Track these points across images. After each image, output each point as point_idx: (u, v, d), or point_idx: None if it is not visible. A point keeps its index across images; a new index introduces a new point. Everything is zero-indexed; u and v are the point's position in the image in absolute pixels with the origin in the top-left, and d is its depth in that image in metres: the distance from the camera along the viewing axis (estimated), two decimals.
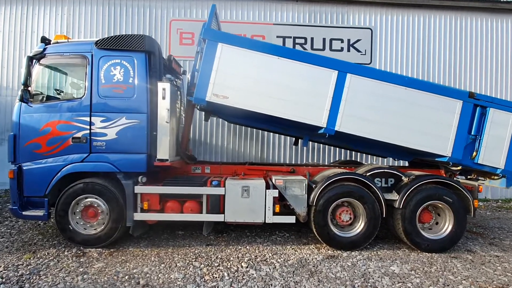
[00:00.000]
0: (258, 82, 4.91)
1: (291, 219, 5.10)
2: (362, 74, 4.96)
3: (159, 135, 4.96)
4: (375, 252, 5.09)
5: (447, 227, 5.23)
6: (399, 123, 5.07)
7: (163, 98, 4.95)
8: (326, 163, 8.47)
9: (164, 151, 4.97)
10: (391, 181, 5.42)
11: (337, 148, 9.41)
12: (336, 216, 5.15)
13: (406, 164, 7.53)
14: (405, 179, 5.33)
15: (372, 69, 5.03)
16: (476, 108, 5.11)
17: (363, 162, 7.37)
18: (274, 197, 5.03)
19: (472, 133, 5.14)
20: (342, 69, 4.92)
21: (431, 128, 5.10)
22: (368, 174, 5.32)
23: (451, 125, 5.11)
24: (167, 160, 4.96)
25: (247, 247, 5.16)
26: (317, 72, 4.92)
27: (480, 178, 5.83)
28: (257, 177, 5.57)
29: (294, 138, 7.06)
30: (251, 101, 4.90)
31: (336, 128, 4.99)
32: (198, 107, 5.58)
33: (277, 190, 5.03)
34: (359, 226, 5.14)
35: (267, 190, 5.02)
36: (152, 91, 5.03)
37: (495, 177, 5.64)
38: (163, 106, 4.95)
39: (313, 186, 5.11)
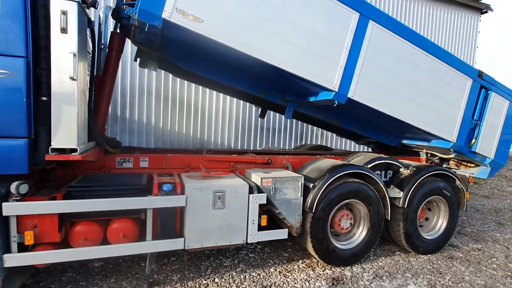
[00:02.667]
0: (259, 9, 3.01)
1: (282, 234, 3.55)
2: (385, 25, 3.61)
3: (55, 103, 2.59)
4: (375, 264, 4.06)
5: (441, 224, 4.62)
6: (414, 96, 4.01)
7: (64, 30, 2.55)
8: (288, 148, 7.14)
9: (67, 134, 2.64)
10: (389, 173, 4.42)
11: (293, 130, 8.22)
12: (335, 223, 3.86)
13: (370, 149, 6.89)
14: (404, 171, 4.40)
15: (397, 21, 3.70)
16: (481, 90, 4.46)
17: (331, 147, 6.31)
18: (260, 205, 3.36)
19: (475, 118, 4.51)
20: (364, 12, 3.45)
21: (442, 107, 4.24)
22: (369, 166, 4.17)
23: (460, 106, 4.36)
24: (74, 150, 2.66)
25: (213, 278, 3.40)
26: (336, 10, 3.32)
27: (456, 167, 5.45)
28: (224, 173, 3.75)
29: (259, 109, 5.36)
30: (243, 37, 2.99)
31: (349, 95, 3.58)
32: (135, 37, 3.22)
33: (265, 195, 3.37)
34: (361, 233, 4.00)
35: (250, 196, 3.30)
36: (39, 15, 2.56)
37: (472, 166, 5.31)
38: (64, 47, 2.56)
39: (310, 185, 3.64)
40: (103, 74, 3.68)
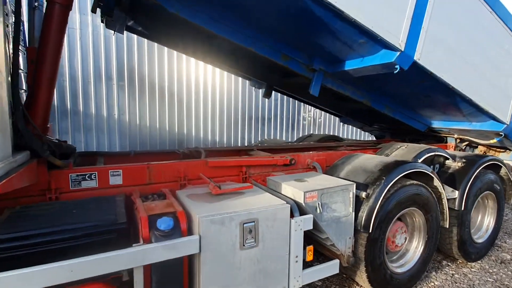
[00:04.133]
0: None
1: (333, 268, 2.50)
2: None
3: None
4: (431, 284, 3.22)
5: (488, 223, 3.91)
6: (479, 66, 3.16)
7: None
8: (291, 141, 6.05)
9: None
10: (436, 167, 3.56)
11: (284, 119, 7.13)
12: (388, 241, 2.90)
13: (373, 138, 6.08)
14: (452, 164, 3.57)
15: None
16: None
17: (342, 137, 5.36)
18: (305, 232, 2.26)
19: None
20: None
21: (503, 84, 3.42)
22: (420, 160, 3.25)
23: None
24: None
25: None
26: None
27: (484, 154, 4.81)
28: (244, 186, 2.58)
29: (264, 88, 4.20)
30: None
31: (416, 58, 2.61)
32: None
33: (311, 217, 2.27)
34: (416, 249, 3.11)
35: (292, 221, 2.17)
36: None
37: (501, 151, 4.70)
38: None
39: (362, 194, 2.61)
40: (39, 45, 2.30)
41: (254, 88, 4.35)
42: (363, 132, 8.16)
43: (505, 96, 3.54)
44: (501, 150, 4.70)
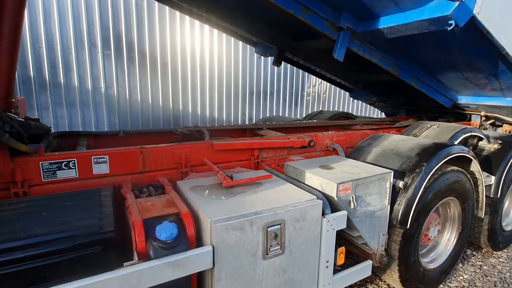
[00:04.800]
0: None
1: (365, 271, 2.13)
2: None
3: None
4: (460, 278, 2.92)
5: None
6: None
7: None
8: (300, 118, 5.55)
9: None
10: (469, 149, 3.15)
11: (287, 94, 6.59)
12: (422, 235, 2.53)
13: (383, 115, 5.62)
14: (487, 146, 3.17)
15: None
16: None
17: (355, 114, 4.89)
18: (337, 232, 1.85)
19: None
20: None
21: None
22: (456, 142, 2.84)
23: None
24: None
25: None
26: None
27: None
28: (261, 176, 2.13)
29: (274, 56, 3.68)
30: None
31: (475, 11, 2.12)
32: None
33: (345, 214, 1.85)
34: (448, 242, 2.77)
35: (323, 220, 1.75)
36: None
37: None
38: None
39: (399, 184, 2.20)
40: None
41: (259, 57, 3.81)
42: (372, 108, 7.72)
43: None
44: None
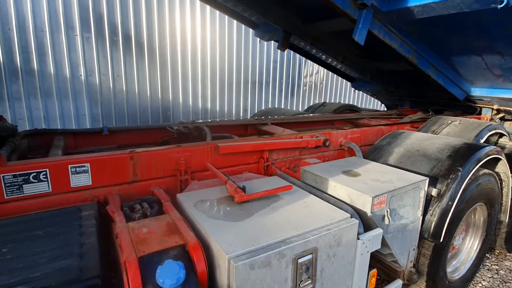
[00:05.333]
0: None
1: None
2: None
3: None
4: (479, 286, 2.73)
5: None
6: None
7: None
8: (301, 109, 5.21)
9: None
10: None
11: (284, 84, 6.23)
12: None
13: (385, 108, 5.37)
14: (508, 143, 2.95)
15: None
16: None
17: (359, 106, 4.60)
18: (371, 254, 1.56)
19: None
20: None
21: None
22: (482, 140, 2.59)
23: None
24: None
25: None
26: None
27: None
28: (283, 186, 1.80)
29: (280, 39, 3.30)
30: None
31: None
32: None
33: (380, 232, 1.56)
34: (471, 249, 2.55)
35: (358, 241, 1.45)
36: None
37: None
38: None
39: (432, 191, 1.93)
40: None
41: (259, 41, 3.41)
42: (370, 99, 7.47)
43: None
44: None
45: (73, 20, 4.26)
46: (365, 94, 6.10)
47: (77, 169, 1.52)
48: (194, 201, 1.50)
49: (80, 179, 1.53)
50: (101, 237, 1.21)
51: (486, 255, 3.20)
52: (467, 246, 2.55)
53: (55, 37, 4.22)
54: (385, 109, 5.42)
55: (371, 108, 6.84)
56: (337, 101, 7.08)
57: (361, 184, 1.67)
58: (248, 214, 1.38)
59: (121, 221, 1.28)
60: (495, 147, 2.28)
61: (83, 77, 4.36)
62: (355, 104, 6.14)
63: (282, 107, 6.27)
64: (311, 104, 5.66)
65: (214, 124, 2.80)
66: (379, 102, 5.49)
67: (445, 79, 3.36)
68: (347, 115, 3.87)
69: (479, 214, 2.45)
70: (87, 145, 2.35)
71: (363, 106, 7.36)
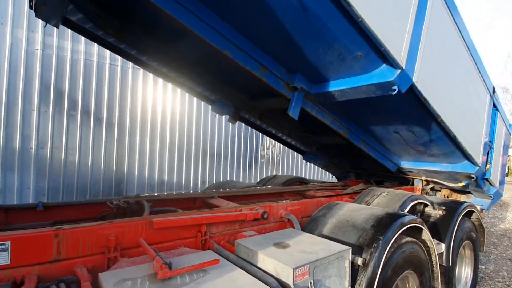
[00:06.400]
0: None
1: None
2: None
3: None
4: None
5: (466, 275, 3.65)
6: (459, 101, 3.05)
7: None
8: (254, 182, 5.38)
9: None
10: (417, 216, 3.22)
11: (241, 157, 6.54)
12: None
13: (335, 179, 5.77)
14: (432, 212, 3.28)
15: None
16: (492, 108, 3.79)
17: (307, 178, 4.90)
18: None
19: (489, 139, 3.78)
20: None
21: (474, 122, 3.36)
22: (406, 210, 2.87)
23: (483, 124, 3.55)
24: None
25: None
26: None
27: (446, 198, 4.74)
28: (195, 250, 1.83)
29: (229, 115, 3.61)
30: None
31: (414, 80, 2.31)
32: None
33: None
34: None
35: None
36: None
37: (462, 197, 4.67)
38: None
39: (358, 261, 2.05)
40: None
41: (216, 115, 3.72)
42: (324, 172, 7.94)
43: (477, 136, 3.47)
44: (462, 193, 4.67)
45: (32, 95, 4.39)
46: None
47: None
48: (116, 280, 1.48)
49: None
50: None
51: None
52: None
53: (10, 111, 4.26)
54: (336, 180, 5.80)
55: (324, 179, 7.25)
56: (292, 174, 7.44)
57: (287, 256, 1.76)
58: None
59: None
60: (414, 216, 2.54)
61: (33, 149, 4.31)
62: (306, 177, 6.51)
63: (241, 179, 6.45)
64: None
65: (160, 197, 2.84)
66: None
67: (376, 153, 3.81)
68: (295, 187, 4.10)
69: (412, 282, 2.56)
70: (20, 221, 2.25)
71: (318, 178, 7.78)
